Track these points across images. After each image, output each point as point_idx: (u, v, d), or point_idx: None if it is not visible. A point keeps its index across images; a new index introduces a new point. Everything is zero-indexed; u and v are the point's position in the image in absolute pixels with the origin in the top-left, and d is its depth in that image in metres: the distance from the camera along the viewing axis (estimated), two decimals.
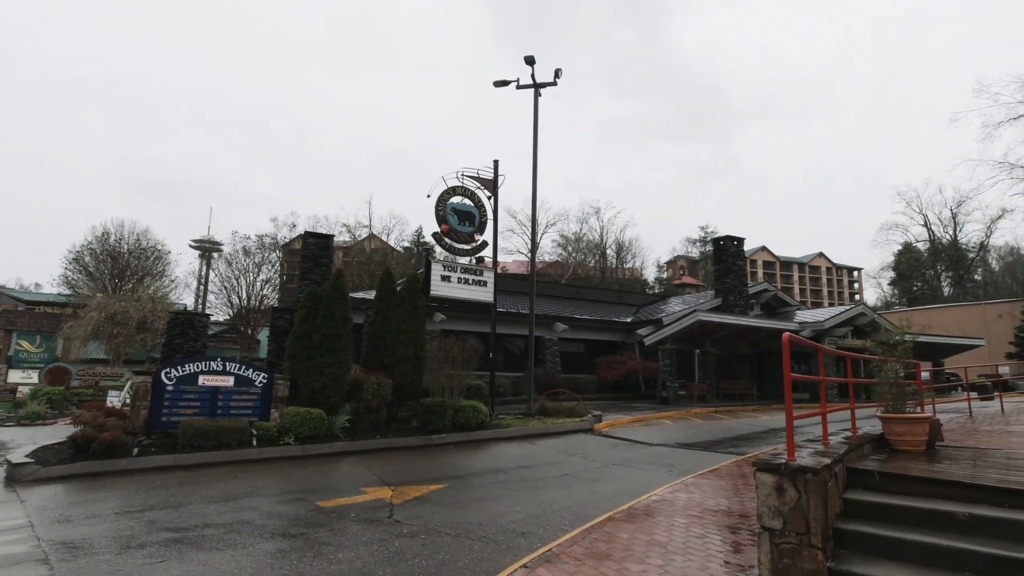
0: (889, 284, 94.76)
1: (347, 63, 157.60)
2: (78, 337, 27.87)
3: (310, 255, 26.51)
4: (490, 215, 15.65)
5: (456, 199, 15.11)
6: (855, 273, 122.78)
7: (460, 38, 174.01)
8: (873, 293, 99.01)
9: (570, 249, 74.68)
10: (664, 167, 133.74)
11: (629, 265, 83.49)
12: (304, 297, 12.33)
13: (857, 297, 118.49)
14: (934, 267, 75.87)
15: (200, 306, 46.69)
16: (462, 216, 15.04)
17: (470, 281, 14.71)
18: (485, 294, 14.93)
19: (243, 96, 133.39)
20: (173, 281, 44.35)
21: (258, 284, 39.31)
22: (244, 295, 37.96)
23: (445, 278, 14.35)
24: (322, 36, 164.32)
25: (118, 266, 38.91)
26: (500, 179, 15.69)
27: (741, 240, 28.67)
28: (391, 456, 10.82)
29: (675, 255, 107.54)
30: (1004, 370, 50.19)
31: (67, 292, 37.96)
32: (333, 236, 30.65)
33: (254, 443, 10.37)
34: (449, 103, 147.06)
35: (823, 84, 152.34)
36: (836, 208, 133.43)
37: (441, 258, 14.69)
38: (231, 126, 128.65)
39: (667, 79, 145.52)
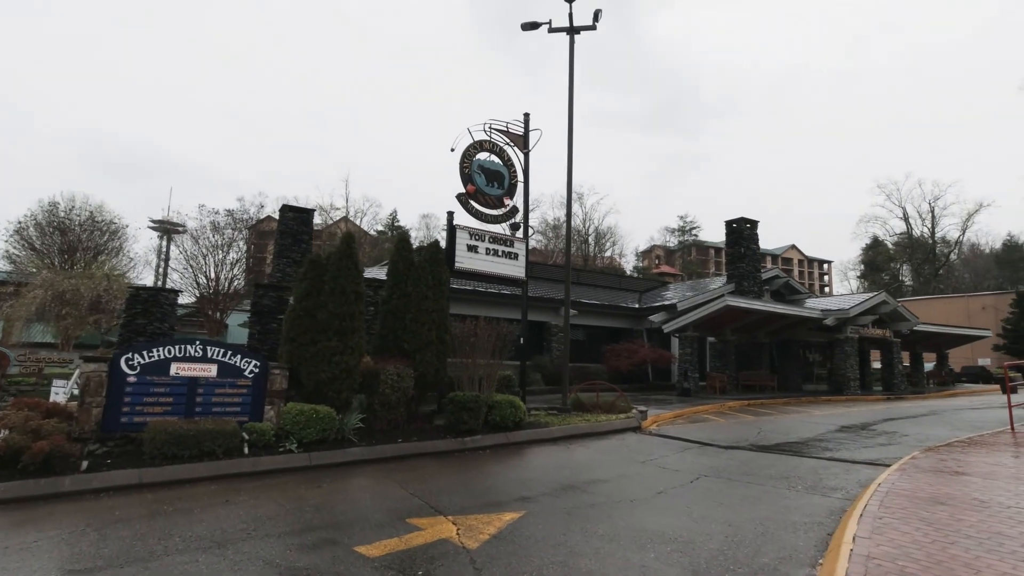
0: (858, 277, 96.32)
1: (324, 48, 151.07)
2: (20, 318, 24.43)
3: (288, 231, 23.76)
4: (520, 177, 13.33)
5: (483, 155, 12.74)
6: (825, 266, 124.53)
7: (436, 26, 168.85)
8: (842, 286, 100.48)
9: (550, 235, 72.77)
10: (638, 158, 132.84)
11: (608, 253, 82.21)
12: (305, 267, 9.85)
13: (827, 289, 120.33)
14: (911, 260, 76.68)
15: (163, 285, 42.98)
16: (490, 176, 12.68)
17: (500, 253, 12.40)
18: (516, 268, 12.65)
19: (216, 77, 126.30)
20: (132, 260, 40.56)
21: (227, 264, 35.97)
22: (212, 274, 34.58)
23: (472, 248, 12.00)
24: (296, 20, 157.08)
25: (68, 241, 35.05)
26: (535, 135, 13.37)
27: (755, 223, 27.02)
28: (421, 465, 8.54)
29: (652, 244, 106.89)
30: (984, 362, 50.66)
31: (7, 268, 34.00)
32: (313, 211, 27.84)
33: (246, 451, 7.94)
34: (427, 91, 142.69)
35: (794, 80, 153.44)
36: (809, 201, 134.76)
37: (465, 225, 12.28)
38: (198, 106, 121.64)
39: (641, 72, 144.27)
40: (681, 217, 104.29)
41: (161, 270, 41.52)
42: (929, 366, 33.11)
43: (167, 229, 46.64)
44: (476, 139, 12.63)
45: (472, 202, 12.41)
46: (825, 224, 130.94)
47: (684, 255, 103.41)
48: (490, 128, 13.00)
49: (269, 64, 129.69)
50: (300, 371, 9.19)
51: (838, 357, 23.87)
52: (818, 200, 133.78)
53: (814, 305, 26.19)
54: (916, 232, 74.33)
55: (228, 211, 37.66)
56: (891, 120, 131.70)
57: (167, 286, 33.64)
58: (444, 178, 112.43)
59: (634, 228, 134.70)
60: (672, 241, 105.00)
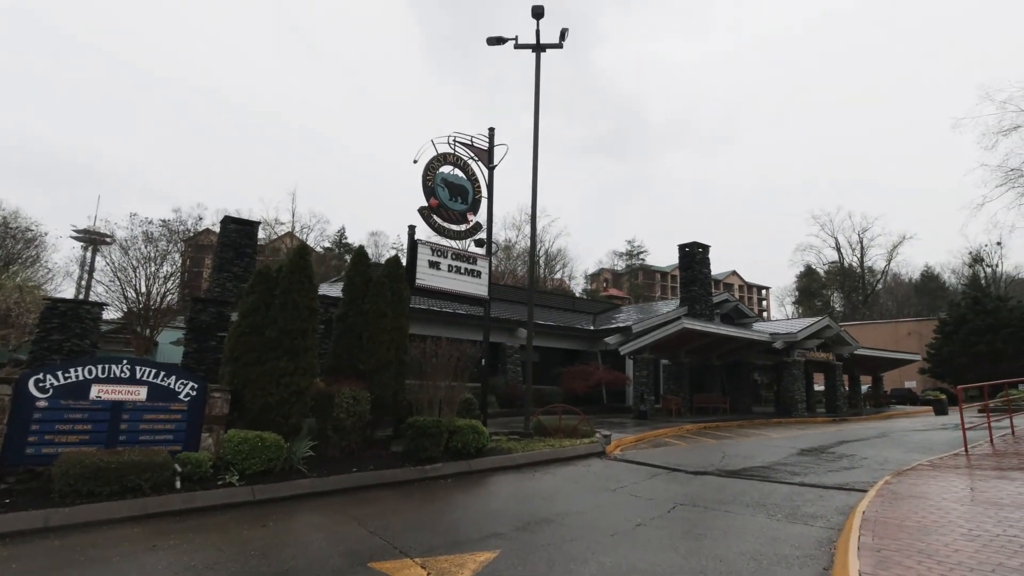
0: (794, 303, 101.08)
1: (270, 63, 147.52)
2: None
3: (230, 243, 22.48)
4: (484, 192, 12.91)
5: (447, 169, 12.25)
6: (764, 291, 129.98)
7: (388, 49, 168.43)
8: (779, 311, 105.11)
9: (502, 256, 72.68)
10: (587, 183, 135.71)
11: (558, 275, 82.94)
12: (253, 280, 9.01)
13: (765, 314, 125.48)
14: (842, 287, 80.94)
15: (85, 298, 39.73)
16: (454, 190, 12.19)
17: (463, 270, 11.86)
18: (479, 287, 12.13)
19: (157, 86, 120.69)
20: (50, 270, 37.46)
21: (160, 277, 33.65)
22: (143, 288, 32.23)
23: (434, 264, 11.41)
24: (244, 38, 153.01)
25: None
26: (500, 150, 13.00)
27: (707, 247, 27.61)
28: (380, 498, 7.80)
29: (600, 268, 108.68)
30: (911, 384, 53.63)
31: None
32: (258, 223, 26.51)
33: (178, 485, 7.00)
34: (377, 111, 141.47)
35: (738, 112, 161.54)
36: (750, 229, 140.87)
37: (426, 239, 11.69)
38: (133, 115, 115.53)
39: (590, 100, 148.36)
40: (629, 241, 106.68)
41: (84, 282, 38.49)
42: (863, 388, 34.54)
43: (92, 239, 43.42)
44: (440, 151, 12.16)
45: (435, 216, 11.86)
46: (764, 251, 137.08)
47: (631, 279, 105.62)
48: (454, 141, 12.57)
49: (211, 75, 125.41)
50: (244, 394, 8.30)
51: (786, 380, 24.47)
52: (758, 228, 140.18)
53: (762, 329, 26.85)
54: (847, 261, 78.68)
55: (163, 221, 35.46)
56: (828, 153, 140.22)
57: (91, 299, 31.09)
58: (395, 197, 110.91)
59: (583, 251, 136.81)
60: (620, 265, 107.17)
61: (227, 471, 7.45)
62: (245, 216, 36.62)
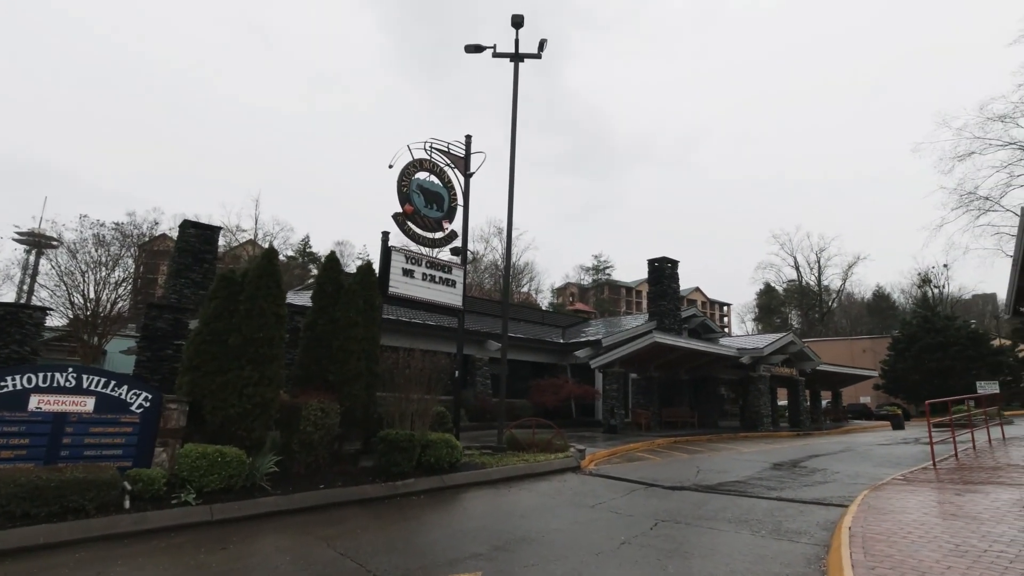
0: (754, 320, 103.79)
1: (235, 69, 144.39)
2: None
3: (189, 249, 21.62)
4: (460, 200, 12.63)
5: (423, 175, 11.94)
6: (725, 308, 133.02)
7: (356, 62, 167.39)
8: (740, 328, 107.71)
9: (469, 268, 72.48)
10: (555, 199, 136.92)
11: (525, 289, 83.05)
12: (216, 285, 8.48)
13: (727, 330, 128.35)
14: (800, 305, 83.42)
15: (27, 302, 37.41)
16: (429, 197, 11.87)
17: (437, 279, 11.51)
18: (454, 297, 11.80)
19: (113, 89, 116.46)
20: None
21: (111, 283, 31.97)
22: (92, 294, 30.54)
23: (408, 272, 11.03)
24: (209, 39, 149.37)
25: None
26: (478, 158, 12.76)
27: (676, 263, 27.91)
28: (349, 516, 7.34)
29: (567, 282, 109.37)
30: (866, 399, 55.37)
31: None
32: (219, 229, 25.61)
33: (127, 505, 6.42)
34: (346, 122, 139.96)
35: (704, 133, 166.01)
36: (713, 246, 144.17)
37: (401, 247, 11.34)
38: (84, 117, 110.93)
39: (557, 117, 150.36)
40: (596, 256, 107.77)
41: (26, 287, 36.33)
42: (822, 403, 35.38)
43: (37, 241, 41.11)
44: (416, 157, 11.85)
45: (409, 223, 11.51)
46: (725, 269, 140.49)
47: (597, 293, 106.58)
48: (431, 147, 12.28)
49: (171, 78, 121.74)
50: (204, 405, 7.74)
51: (752, 394, 24.80)
52: (719, 246, 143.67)
53: (729, 344, 27.22)
54: (805, 280, 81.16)
55: (116, 224, 33.82)
56: (790, 175, 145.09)
57: (31, 303, 29.27)
58: (362, 208, 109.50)
59: (549, 265, 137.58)
60: (586, 279, 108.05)
61: (183, 489, 6.88)
62: (205, 222, 35.33)
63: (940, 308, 52.02)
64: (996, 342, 42.79)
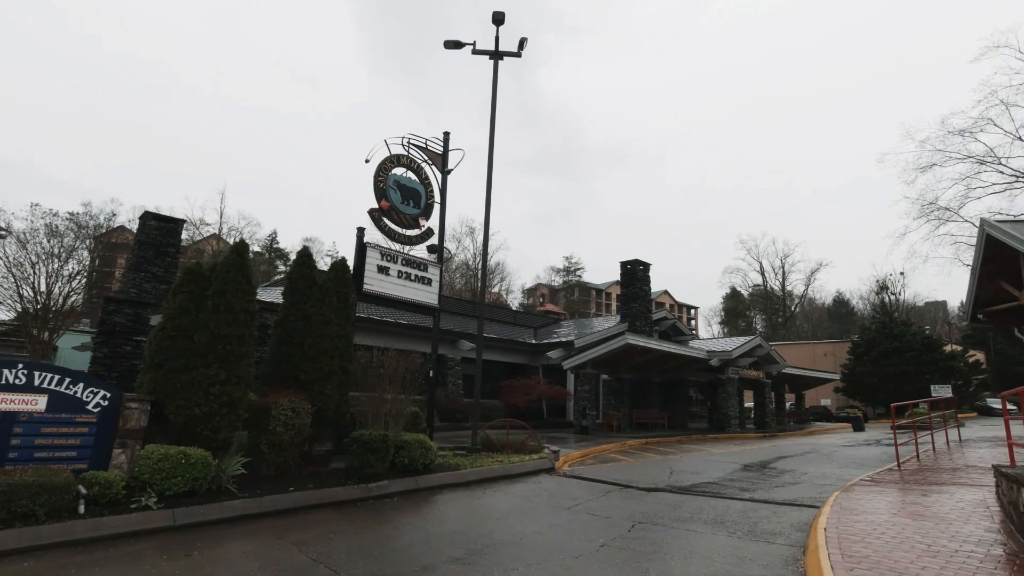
0: (720, 323, 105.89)
1: (201, 61, 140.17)
2: None
3: (150, 241, 20.85)
4: (438, 197, 12.43)
5: (400, 171, 11.70)
6: (693, 311, 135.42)
7: (328, 61, 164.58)
8: (707, 331, 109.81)
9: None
10: (527, 200, 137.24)
11: (496, 289, 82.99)
12: (181, 278, 8.11)
13: (695, 333, 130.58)
14: (765, 309, 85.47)
15: None
16: (406, 193, 11.64)
17: (413, 277, 11.29)
18: (429, 295, 11.59)
19: (76, 79, 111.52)
20: None
21: (64, 276, 30.57)
22: (43, 287, 29.16)
23: (383, 269, 10.78)
24: (180, 30, 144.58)
25: None
26: (456, 155, 12.58)
27: (648, 265, 28.18)
28: (321, 520, 7.09)
29: (537, 283, 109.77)
30: (826, 402, 57.00)
31: None
32: (183, 221, 24.73)
33: (82, 510, 6.05)
34: (316, 120, 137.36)
35: (677, 138, 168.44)
36: (682, 250, 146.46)
37: (375, 243, 11.06)
38: (38, 103, 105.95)
39: (529, 118, 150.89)
40: (567, 258, 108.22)
41: None
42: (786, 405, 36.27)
43: None
44: (393, 152, 11.60)
45: (385, 219, 11.26)
46: (693, 272, 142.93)
47: (568, 295, 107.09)
48: (408, 143, 12.05)
49: (133, 64, 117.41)
50: (167, 404, 7.38)
51: (721, 396, 25.21)
52: (687, 250, 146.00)
53: (698, 347, 27.63)
54: (770, 285, 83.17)
55: (71, 214, 32.44)
56: (756, 183, 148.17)
57: None
58: (331, 204, 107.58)
59: (520, 266, 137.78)
60: (556, 280, 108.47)
61: (143, 492, 6.53)
62: (160, 211, 34.10)
63: (897, 314, 53.94)
64: (948, 348, 44.53)
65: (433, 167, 12.51)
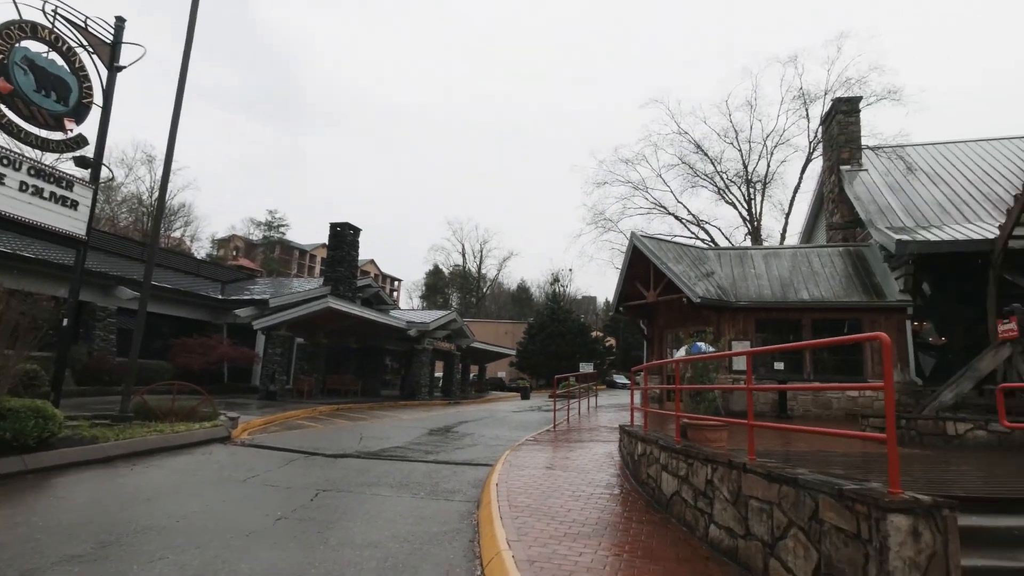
0: (420, 297, 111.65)
1: None
2: None
3: None
4: (99, 99, 9.54)
5: (37, 46, 8.51)
6: (396, 283, 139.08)
7: None
8: (407, 303, 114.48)
9: (99, 196, 57.79)
10: (236, 145, 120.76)
11: (178, 233, 70.97)
12: None
13: (396, 303, 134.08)
14: (461, 288, 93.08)
15: None
16: (46, 81, 8.56)
17: (47, 194, 8.38)
18: (73, 222, 8.80)
19: None
20: None
21: None
22: None
23: None
24: None
25: None
26: (135, 51, 9.77)
27: (358, 230, 27.47)
28: None
29: (232, 234, 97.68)
30: (502, 374, 65.20)
31: None
32: None
33: None
34: None
35: (404, 110, 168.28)
36: (392, 220, 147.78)
37: None
38: None
39: (244, 48, 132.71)
40: (271, 212, 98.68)
41: None
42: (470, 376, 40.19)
43: None
44: (26, 18, 8.41)
45: (5, 108, 8.12)
46: (403, 244, 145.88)
47: (268, 251, 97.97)
48: (56, 13, 8.92)
49: None
50: None
51: (415, 365, 26.28)
52: (400, 221, 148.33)
53: (399, 316, 28.23)
54: (468, 266, 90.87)
55: None
56: (473, 169, 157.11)
57: None
58: None
59: (214, 213, 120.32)
60: (257, 235, 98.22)
61: None
62: None
63: (563, 303, 64.91)
64: (594, 334, 55.67)
65: (97, 57, 9.56)
